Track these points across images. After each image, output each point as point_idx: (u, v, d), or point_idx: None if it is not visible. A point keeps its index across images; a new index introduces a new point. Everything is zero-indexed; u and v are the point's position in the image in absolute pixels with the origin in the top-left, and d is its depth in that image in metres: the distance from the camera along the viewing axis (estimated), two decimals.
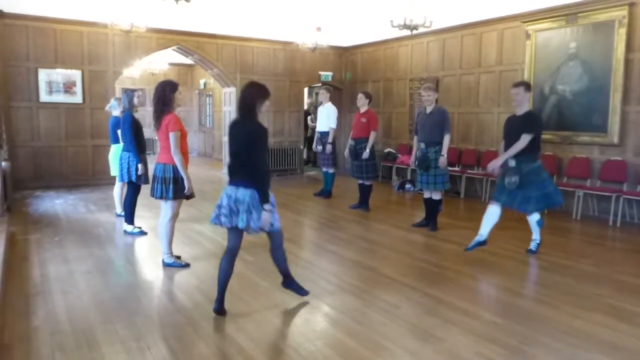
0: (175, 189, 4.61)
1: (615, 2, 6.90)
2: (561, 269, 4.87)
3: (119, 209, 6.85)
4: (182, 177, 4.60)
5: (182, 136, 4.60)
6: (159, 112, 4.57)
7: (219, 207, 3.56)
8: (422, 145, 6.21)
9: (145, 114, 14.96)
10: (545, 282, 4.52)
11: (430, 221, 6.45)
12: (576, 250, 5.73)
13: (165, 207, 4.75)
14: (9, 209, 6.72)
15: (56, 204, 7.92)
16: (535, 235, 5.37)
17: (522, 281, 4.52)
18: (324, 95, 8.84)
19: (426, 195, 6.44)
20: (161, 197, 4.65)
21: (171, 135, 4.50)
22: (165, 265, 4.82)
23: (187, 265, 4.85)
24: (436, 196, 6.34)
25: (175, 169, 4.59)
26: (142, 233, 6.02)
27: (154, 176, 4.69)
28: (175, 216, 4.81)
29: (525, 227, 6.24)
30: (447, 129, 6.08)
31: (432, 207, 6.41)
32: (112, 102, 6.88)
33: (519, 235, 6.08)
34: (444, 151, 6.08)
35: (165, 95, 4.54)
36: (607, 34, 7.05)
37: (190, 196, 4.74)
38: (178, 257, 4.94)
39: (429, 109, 6.24)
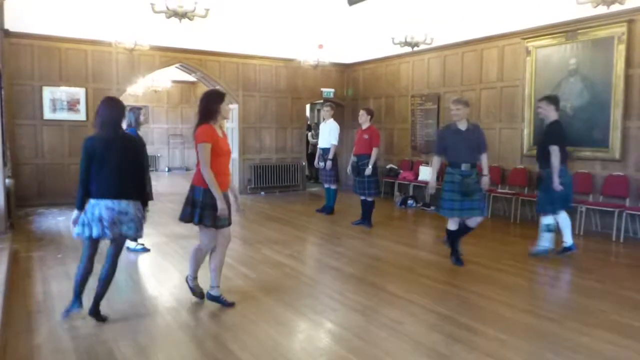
0: (211, 214, 3.89)
1: (614, 19, 6.97)
2: (565, 285, 4.84)
3: None
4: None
5: (218, 153, 3.90)
6: (196, 124, 3.95)
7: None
8: (464, 167, 5.34)
9: (148, 131, 15.10)
10: (550, 298, 4.49)
11: (453, 249, 5.65)
12: (580, 266, 5.68)
13: (205, 235, 4.09)
14: (12, 226, 6.73)
15: (59, 221, 7.92)
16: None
17: (526, 297, 4.49)
18: (327, 111, 8.88)
19: (471, 224, 5.53)
20: (191, 221, 3.99)
21: (199, 147, 3.84)
22: (209, 298, 4.21)
23: (231, 304, 4.17)
24: (472, 224, 5.50)
25: (205, 191, 3.87)
26: (145, 250, 6.02)
27: (188, 198, 4.01)
28: (225, 244, 4.18)
29: (529, 243, 6.23)
30: (486, 147, 5.56)
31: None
32: None
33: (522, 251, 6.06)
34: (486, 170, 5.55)
35: (211, 106, 3.93)
36: (607, 50, 7.11)
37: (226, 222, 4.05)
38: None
39: (462, 126, 5.43)
